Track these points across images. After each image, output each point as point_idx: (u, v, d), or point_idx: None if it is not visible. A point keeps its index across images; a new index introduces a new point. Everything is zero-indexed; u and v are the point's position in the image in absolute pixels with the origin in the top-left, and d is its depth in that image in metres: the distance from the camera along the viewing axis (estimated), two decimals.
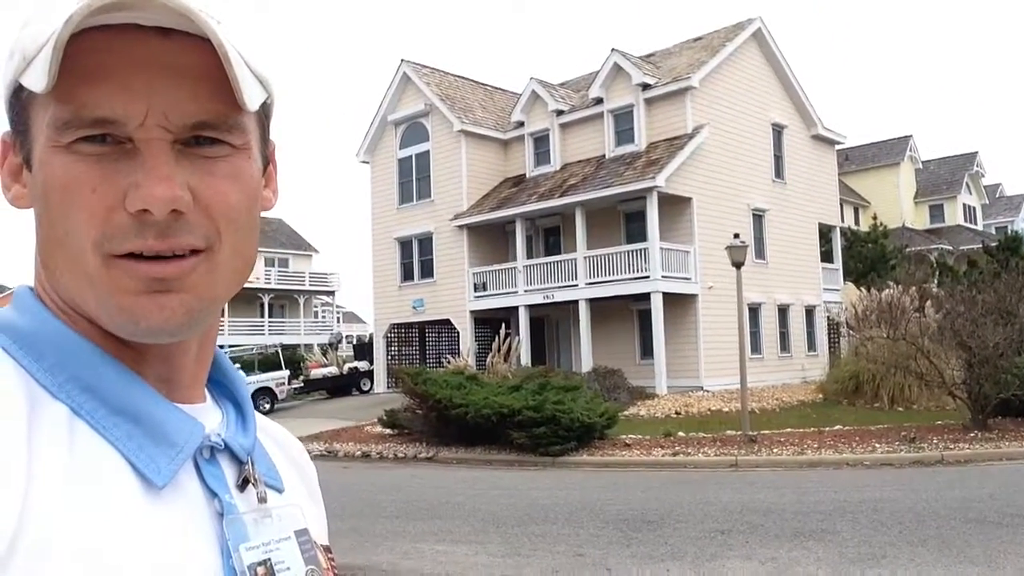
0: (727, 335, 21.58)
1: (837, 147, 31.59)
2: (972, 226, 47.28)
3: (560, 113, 27.13)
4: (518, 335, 24.46)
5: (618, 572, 6.79)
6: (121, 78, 0.60)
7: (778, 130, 27.48)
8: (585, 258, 23.76)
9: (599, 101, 25.99)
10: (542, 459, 14.26)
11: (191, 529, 0.63)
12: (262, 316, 46.11)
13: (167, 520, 0.62)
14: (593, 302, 23.58)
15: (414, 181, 29.47)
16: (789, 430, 15.59)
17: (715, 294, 23.10)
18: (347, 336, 49.73)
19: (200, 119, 0.62)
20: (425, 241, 28.94)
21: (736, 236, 16.58)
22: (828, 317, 27.95)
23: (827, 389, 20.92)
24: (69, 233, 0.61)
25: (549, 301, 24.69)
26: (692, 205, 23.67)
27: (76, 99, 0.59)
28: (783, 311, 26.75)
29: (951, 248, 42.40)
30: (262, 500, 0.70)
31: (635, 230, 24.36)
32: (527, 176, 27.87)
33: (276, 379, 27.39)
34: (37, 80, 0.58)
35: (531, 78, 27.92)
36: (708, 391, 22.10)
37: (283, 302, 48.41)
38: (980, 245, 38.66)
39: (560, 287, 24.31)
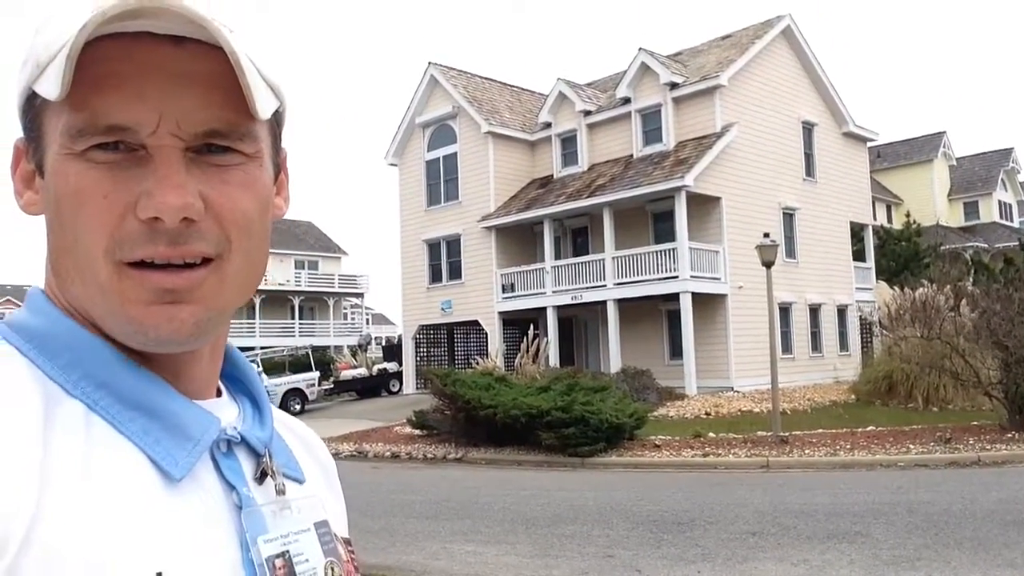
0: (757, 335, 21.39)
1: (869, 144, 31.21)
2: (1008, 223, 46.46)
3: (587, 113, 27.07)
4: (546, 336, 24.44)
5: (649, 574, 6.75)
6: (134, 86, 0.60)
7: (808, 128, 27.21)
8: (613, 258, 23.68)
9: (627, 101, 25.89)
10: (571, 460, 14.24)
11: (210, 522, 0.64)
12: (292, 318, 46.53)
13: (185, 513, 0.62)
14: (621, 302, 23.50)
15: (442, 183, 29.56)
16: (821, 431, 15.42)
17: (745, 294, 22.91)
18: (376, 338, 49.96)
19: (212, 127, 0.62)
20: (453, 243, 29.02)
21: (766, 235, 16.42)
22: (860, 316, 27.61)
23: (860, 389, 20.66)
24: (79, 240, 0.61)
25: (577, 302, 24.64)
26: (721, 204, 23.51)
27: (89, 106, 0.60)
28: (814, 311, 26.48)
29: (986, 246, 41.72)
30: (280, 492, 0.71)
31: (663, 230, 24.24)
32: (554, 177, 27.84)
33: (306, 380, 27.68)
34: (51, 87, 0.58)
35: (558, 79, 27.86)
36: (738, 392, 21.94)
37: (313, 304, 48.80)
38: (1016, 242, 37.99)
39: (588, 288, 24.25)
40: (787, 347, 24.48)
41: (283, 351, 33.35)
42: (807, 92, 27.50)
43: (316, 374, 28.55)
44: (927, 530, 7.78)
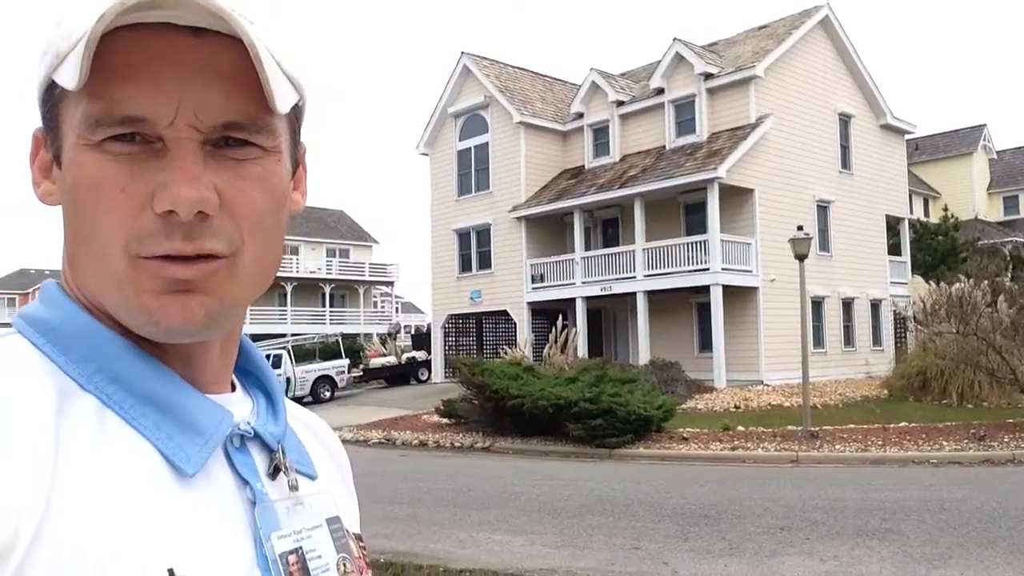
0: (789, 328, 21.19)
1: (907, 137, 30.69)
2: None
3: (620, 104, 26.90)
4: (575, 327, 24.40)
5: (676, 566, 6.73)
6: (152, 76, 0.60)
7: (845, 120, 26.81)
8: (644, 250, 23.55)
9: (660, 91, 25.67)
10: (598, 451, 14.23)
11: (223, 517, 0.64)
12: (323, 306, 46.94)
13: (198, 509, 0.62)
14: (651, 294, 23.38)
15: (473, 173, 29.58)
16: (852, 426, 15.25)
17: (777, 287, 22.69)
18: (405, 326, 50.22)
19: (230, 120, 0.62)
20: (483, 232, 29.05)
21: (799, 228, 16.25)
22: (895, 311, 27.24)
23: (892, 385, 20.40)
24: (95, 232, 0.61)
25: (607, 293, 24.55)
26: (754, 196, 23.27)
27: (107, 96, 0.60)
28: (847, 305, 26.15)
29: None
30: (293, 488, 0.70)
31: (695, 222, 24.06)
32: (586, 167, 27.73)
33: (336, 367, 27.95)
34: (69, 77, 0.58)
35: (591, 69, 27.70)
36: (768, 385, 21.76)
37: (344, 292, 49.18)
38: None
39: (618, 279, 24.16)
40: (819, 341, 24.23)
41: (314, 338, 33.69)
42: (844, 83, 27.09)
43: (346, 361, 28.81)
44: (959, 528, 7.67)
